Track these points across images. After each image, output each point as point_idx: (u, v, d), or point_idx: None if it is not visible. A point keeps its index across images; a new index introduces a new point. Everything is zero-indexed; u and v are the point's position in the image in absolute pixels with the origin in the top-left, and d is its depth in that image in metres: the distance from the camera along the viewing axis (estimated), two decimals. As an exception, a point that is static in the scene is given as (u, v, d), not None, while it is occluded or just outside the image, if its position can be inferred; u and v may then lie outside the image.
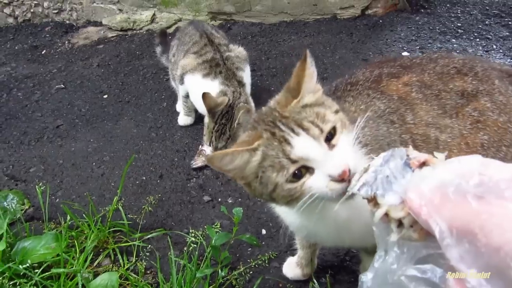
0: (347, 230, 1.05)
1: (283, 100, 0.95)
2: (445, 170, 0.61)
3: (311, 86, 0.94)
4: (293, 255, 1.63)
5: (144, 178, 2.22)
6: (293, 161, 0.85)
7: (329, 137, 0.87)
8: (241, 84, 2.34)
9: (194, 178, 2.19)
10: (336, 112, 0.92)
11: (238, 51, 2.51)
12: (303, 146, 0.85)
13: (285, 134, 0.86)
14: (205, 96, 2.13)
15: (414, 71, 1.23)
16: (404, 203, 0.63)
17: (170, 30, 3.92)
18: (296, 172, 0.86)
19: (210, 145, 2.23)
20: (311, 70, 0.93)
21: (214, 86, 2.29)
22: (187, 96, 2.50)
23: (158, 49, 3.20)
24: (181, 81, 2.47)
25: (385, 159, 0.69)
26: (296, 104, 0.91)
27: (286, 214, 1.20)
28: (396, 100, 1.17)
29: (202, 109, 2.41)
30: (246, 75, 2.43)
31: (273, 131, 0.88)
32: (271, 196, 0.92)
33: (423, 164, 0.66)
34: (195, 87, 2.40)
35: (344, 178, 0.81)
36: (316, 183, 0.85)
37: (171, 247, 1.67)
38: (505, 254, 0.49)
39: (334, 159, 0.84)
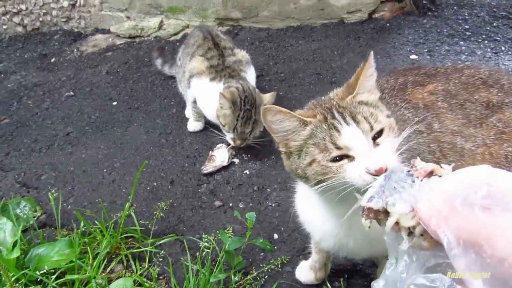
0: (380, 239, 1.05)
1: (341, 93, 1.05)
2: (454, 181, 0.63)
3: (368, 86, 1.03)
4: (305, 259, 1.63)
5: (155, 184, 2.22)
6: (338, 147, 0.92)
7: (376, 136, 0.94)
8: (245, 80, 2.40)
9: (205, 184, 2.20)
10: (388, 116, 0.99)
11: (241, 54, 2.58)
12: (351, 136, 0.92)
13: (335, 122, 0.94)
14: (221, 94, 2.19)
15: (439, 80, 1.25)
16: (414, 211, 0.64)
17: (177, 37, 3.95)
18: (337, 158, 0.93)
19: (234, 132, 2.27)
20: (370, 71, 1.02)
21: (219, 89, 2.32)
22: (196, 102, 2.51)
23: (158, 61, 3.26)
24: (189, 85, 2.49)
25: (387, 176, 0.72)
26: (352, 99, 1.00)
27: (312, 219, 1.23)
28: (423, 109, 1.19)
29: (208, 114, 2.44)
30: (248, 77, 2.49)
31: (326, 116, 0.97)
32: (304, 171, 0.99)
33: (430, 174, 0.68)
34: (202, 91, 2.42)
35: (378, 174, 0.86)
36: (352, 169, 0.91)
37: (187, 251, 1.68)
38: (509, 266, 0.51)
39: (376, 155, 0.90)
